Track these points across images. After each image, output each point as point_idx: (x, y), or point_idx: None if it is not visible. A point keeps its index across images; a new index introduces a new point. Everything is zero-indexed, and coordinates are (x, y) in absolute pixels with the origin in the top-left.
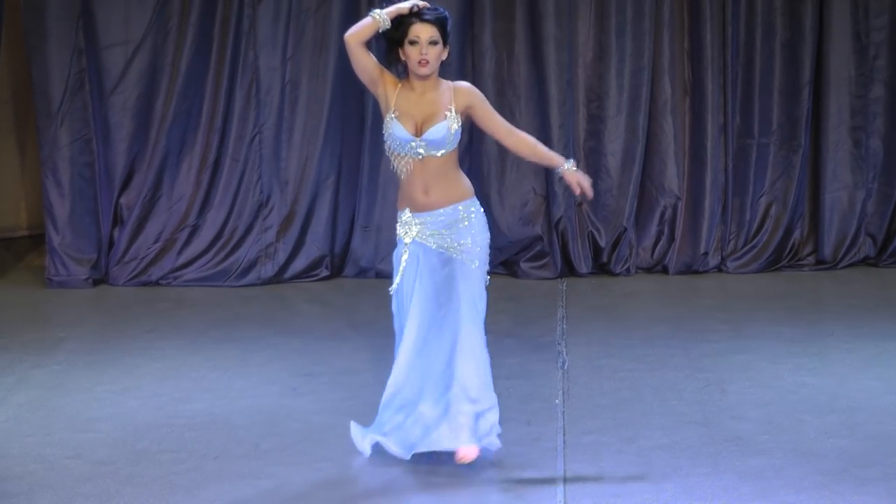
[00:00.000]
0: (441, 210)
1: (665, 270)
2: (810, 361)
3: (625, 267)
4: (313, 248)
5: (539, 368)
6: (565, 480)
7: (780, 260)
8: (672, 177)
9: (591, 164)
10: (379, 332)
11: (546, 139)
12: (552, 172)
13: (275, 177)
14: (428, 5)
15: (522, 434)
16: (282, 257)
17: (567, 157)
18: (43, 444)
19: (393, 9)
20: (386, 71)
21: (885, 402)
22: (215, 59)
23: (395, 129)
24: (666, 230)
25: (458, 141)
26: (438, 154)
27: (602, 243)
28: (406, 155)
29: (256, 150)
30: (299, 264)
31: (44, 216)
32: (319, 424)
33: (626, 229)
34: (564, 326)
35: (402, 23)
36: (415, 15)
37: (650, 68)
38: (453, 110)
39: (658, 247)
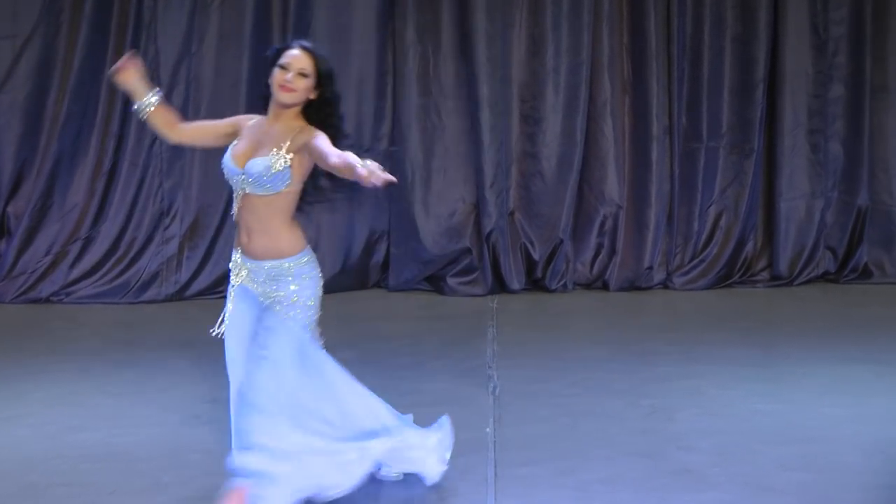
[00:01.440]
0: (268, 262)
1: (605, 286)
2: (764, 387)
3: (561, 282)
4: (220, 261)
5: (468, 394)
6: None
7: (731, 275)
8: (613, 184)
9: (525, 170)
10: None
11: (476, 142)
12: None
13: (178, 184)
14: None
15: (450, 466)
16: (185, 271)
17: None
18: None
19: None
20: (242, 116)
21: (844, 431)
22: (112, 55)
23: (225, 159)
24: (606, 242)
25: (284, 186)
26: (260, 194)
27: (536, 257)
28: (236, 190)
29: (157, 155)
30: (204, 279)
31: None
32: (222, 454)
33: (562, 241)
34: (495, 348)
35: (281, 48)
36: (296, 42)
37: (588, 65)
38: (284, 148)
39: (598, 260)
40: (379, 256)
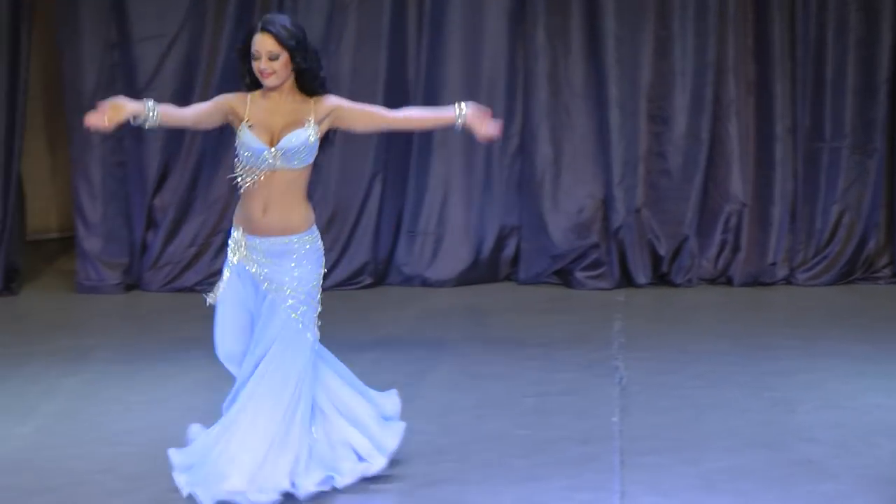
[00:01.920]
0: (273, 238)
1: (729, 282)
2: (885, 381)
3: (686, 278)
4: (357, 254)
5: (595, 384)
6: (622, 503)
7: (853, 272)
8: (737, 182)
9: (652, 168)
10: (424, 344)
11: (604, 140)
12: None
13: (315, 178)
14: None
15: (577, 454)
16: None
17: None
18: (72, 457)
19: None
20: (228, 96)
21: None
22: None
23: (247, 139)
24: (730, 239)
25: (312, 158)
26: (292, 166)
27: (662, 252)
28: (257, 167)
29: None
30: (341, 271)
31: (74, 218)
32: None
33: (687, 237)
34: (622, 340)
35: (248, 31)
36: (257, 23)
37: (714, 67)
38: (312, 121)
39: (722, 256)
40: (509, 251)
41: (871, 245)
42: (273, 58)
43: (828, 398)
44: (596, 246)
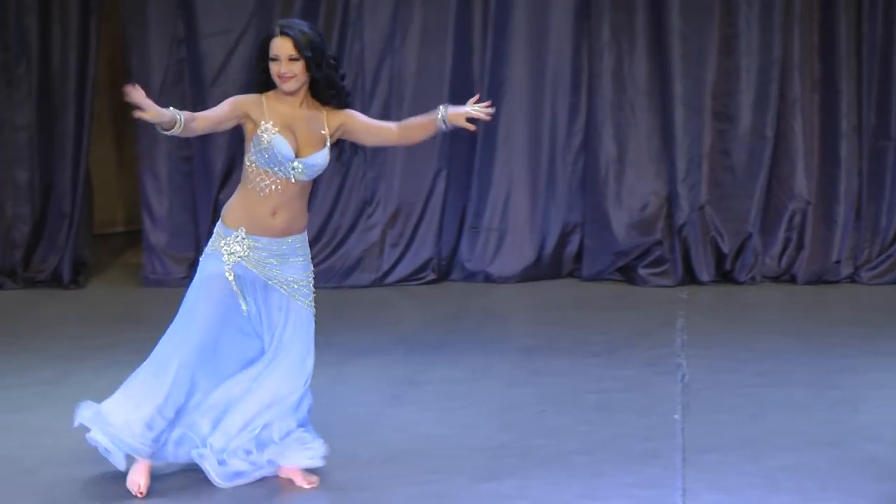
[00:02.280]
0: (280, 239)
1: (793, 280)
2: None
3: (749, 275)
4: (421, 249)
5: (657, 381)
6: (684, 501)
7: None
8: (801, 180)
9: (716, 165)
10: (485, 339)
11: (668, 137)
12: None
13: (380, 174)
14: None
15: (639, 451)
16: (387, 258)
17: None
18: None
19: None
20: (242, 98)
21: None
22: None
23: (279, 146)
24: (794, 237)
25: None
26: (308, 178)
27: (725, 249)
28: (278, 174)
29: (362, 146)
30: (405, 266)
31: (141, 212)
32: (423, 436)
33: (751, 235)
34: (685, 337)
35: (266, 36)
36: (275, 27)
37: (779, 64)
38: (328, 136)
39: (786, 254)
40: (572, 247)
41: None
42: (293, 59)
43: (891, 397)
44: (659, 243)
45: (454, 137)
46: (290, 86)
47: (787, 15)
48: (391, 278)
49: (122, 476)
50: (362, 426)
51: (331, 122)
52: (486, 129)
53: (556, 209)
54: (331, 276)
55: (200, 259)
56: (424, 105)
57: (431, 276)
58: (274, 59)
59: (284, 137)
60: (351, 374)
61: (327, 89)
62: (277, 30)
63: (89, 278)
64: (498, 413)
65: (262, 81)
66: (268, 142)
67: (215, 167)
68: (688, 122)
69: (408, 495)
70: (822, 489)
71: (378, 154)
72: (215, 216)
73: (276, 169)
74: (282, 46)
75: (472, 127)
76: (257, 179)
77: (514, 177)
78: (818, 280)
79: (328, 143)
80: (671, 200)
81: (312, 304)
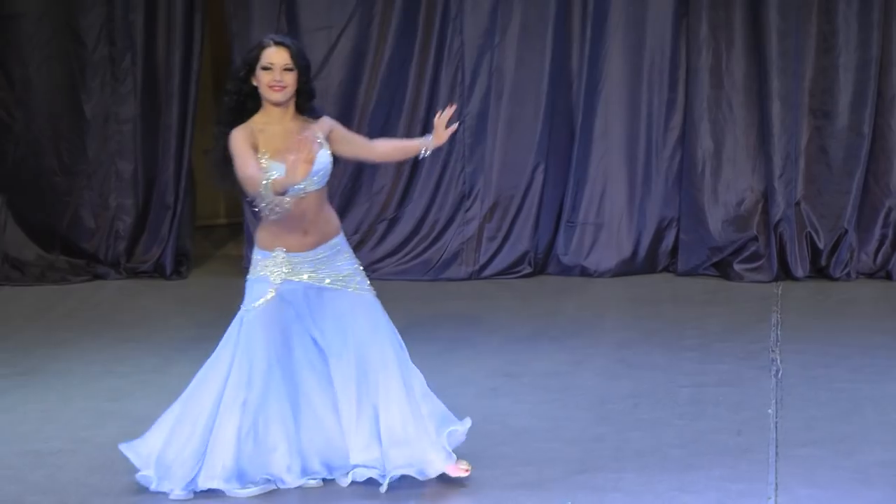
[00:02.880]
0: (319, 248)
1: (889, 276)
2: None
3: (845, 271)
4: (517, 243)
5: (751, 376)
6: (777, 495)
7: None
8: None
9: (812, 161)
10: (581, 332)
11: (765, 134)
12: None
13: (478, 168)
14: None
15: (732, 445)
16: (484, 252)
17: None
18: None
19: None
20: (245, 134)
21: None
22: (420, 46)
23: (278, 171)
24: (890, 234)
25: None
26: (318, 188)
27: (821, 245)
28: (289, 195)
29: (460, 140)
30: (502, 260)
31: (242, 205)
32: (518, 427)
33: (846, 231)
34: (779, 333)
35: (255, 47)
36: (267, 38)
37: (877, 61)
38: (321, 136)
39: (881, 251)
40: (668, 242)
41: None
42: (288, 69)
43: None
44: (755, 239)
45: (553, 131)
46: (279, 96)
47: (885, 12)
48: (488, 271)
49: None
50: (460, 417)
51: (323, 128)
52: (584, 124)
53: (653, 204)
54: (428, 269)
55: (246, 287)
56: (523, 100)
57: (528, 270)
58: (267, 69)
59: (280, 162)
60: (448, 366)
61: (308, 100)
62: (270, 41)
63: (191, 269)
64: (593, 406)
65: (236, 99)
66: (266, 173)
67: None
68: (785, 118)
69: (503, 485)
70: None
71: (476, 148)
72: None
73: (292, 194)
74: (277, 56)
75: (449, 131)
76: (271, 206)
77: (610, 171)
78: None
79: (324, 143)
80: (767, 196)
81: (370, 287)
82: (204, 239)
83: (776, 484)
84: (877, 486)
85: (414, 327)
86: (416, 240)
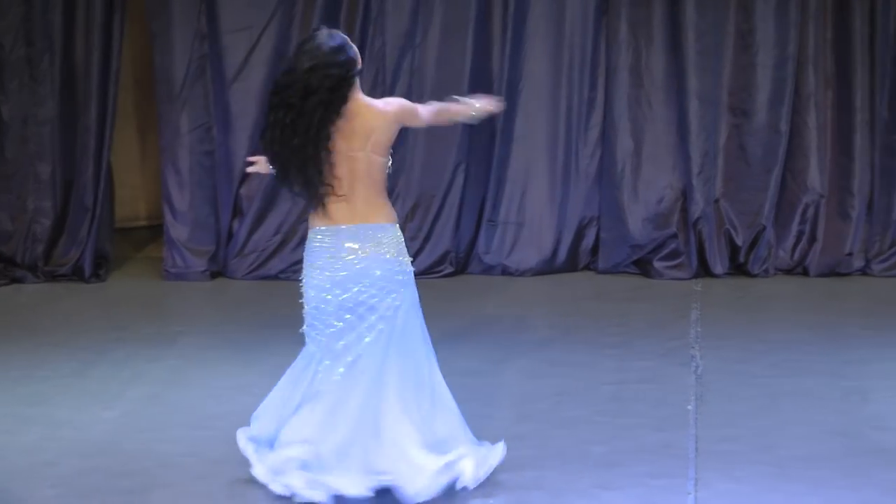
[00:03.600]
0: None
1: (806, 272)
2: None
3: (763, 267)
4: (439, 243)
5: (671, 372)
6: (697, 490)
7: None
8: (815, 173)
9: (731, 159)
10: (502, 331)
11: (684, 132)
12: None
13: (399, 168)
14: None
15: (653, 441)
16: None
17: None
18: (158, 440)
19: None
20: None
21: None
22: None
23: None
24: (807, 230)
25: None
26: None
27: (739, 242)
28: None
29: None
30: (425, 259)
31: (162, 206)
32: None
33: (764, 228)
34: (699, 329)
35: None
36: None
37: (794, 59)
38: None
39: (799, 247)
40: (589, 240)
41: None
42: None
43: None
44: (674, 236)
45: (473, 131)
46: None
47: (802, 10)
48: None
49: (138, 468)
50: None
51: None
52: (505, 124)
53: (573, 203)
54: None
55: (409, 272)
56: (442, 99)
57: (449, 270)
58: None
59: None
60: None
61: None
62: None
63: (111, 272)
64: (515, 404)
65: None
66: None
67: (237, 161)
68: (703, 116)
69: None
70: (832, 478)
71: (397, 149)
72: (236, 210)
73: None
74: None
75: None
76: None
77: (531, 170)
78: (830, 272)
79: None
80: (687, 194)
81: None
82: (124, 241)
83: (696, 479)
84: (795, 480)
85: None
86: None
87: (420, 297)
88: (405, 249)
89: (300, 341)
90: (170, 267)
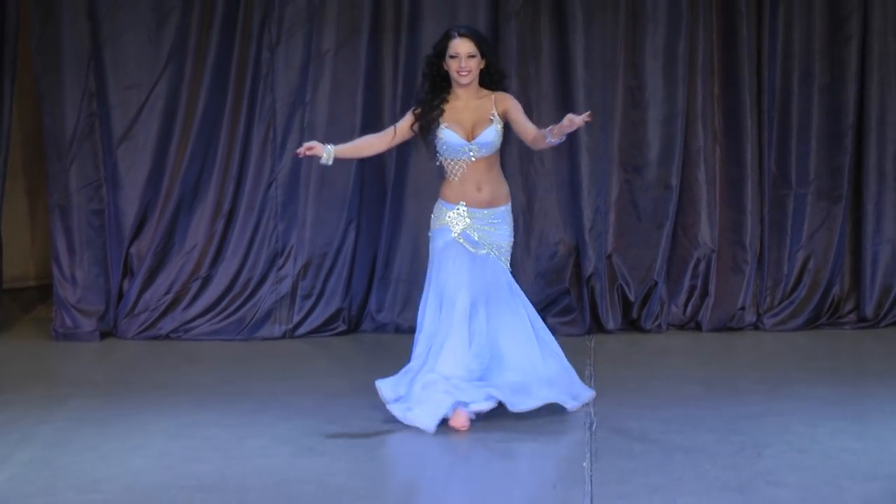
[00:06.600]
0: (492, 210)
1: (698, 327)
2: (850, 425)
3: (656, 323)
4: (332, 300)
5: (565, 429)
6: None
7: (819, 317)
8: (705, 228)
9: (622, 214)
10: None
11: (576, 187)
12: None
13: (291, 225)
14: None
15: (548, 498)
16: (297, 310)
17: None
18: None
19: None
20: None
21: None
22: (231, 104)
23: (449, 137)
24: (699, 284)
25: (499, 145)
26: (486, 155)
27: (632, 298)
28: (460, 159)
29: (273, 198)
30: (316, 318)
31: (51, 266)
32: (335, 487)
33: (656, 283)
34: (592, 385)
35: (442, 38)
36: (453, 30)
37: (683, 115)
38: (496, 115)
39: (691, 302)
40: None
41: (837, 290)
42: (471, 55)
43: (795, 442)
44: (567, 292)
45: (364, 188)
46: (465, 80)
47: (690, 66)
48: (302, 329)
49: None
50: (276, 478)
51: (498, 106)
52: (396, 181)
53: None
54: (242, 328)
55: (431, 236)
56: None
57: (342, 328)
58: (454, 57)
59: (454, 130)
60: (262, 426)
61: (496, 79)
62: (455, 33)
63: None
64: (411, 464)
65: (430, 81)
66: (441, 138)
67: (126, 220)
68: (594, 172)
69: None
70: None
71: (288, 206)
72: (126, 269)
73: (455, 156)
74: (462, 46)
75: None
76: (449, 168)
77: (423, 227)
78: (723, 327)
79: (496, 122)
80: (579, 249)
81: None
82: (12, 302)
83: None
84: None
85: (226, 386)
86: (228, 298)
87: (312, 356)
88: None
89: (192, 402)
90: (58, 327)
